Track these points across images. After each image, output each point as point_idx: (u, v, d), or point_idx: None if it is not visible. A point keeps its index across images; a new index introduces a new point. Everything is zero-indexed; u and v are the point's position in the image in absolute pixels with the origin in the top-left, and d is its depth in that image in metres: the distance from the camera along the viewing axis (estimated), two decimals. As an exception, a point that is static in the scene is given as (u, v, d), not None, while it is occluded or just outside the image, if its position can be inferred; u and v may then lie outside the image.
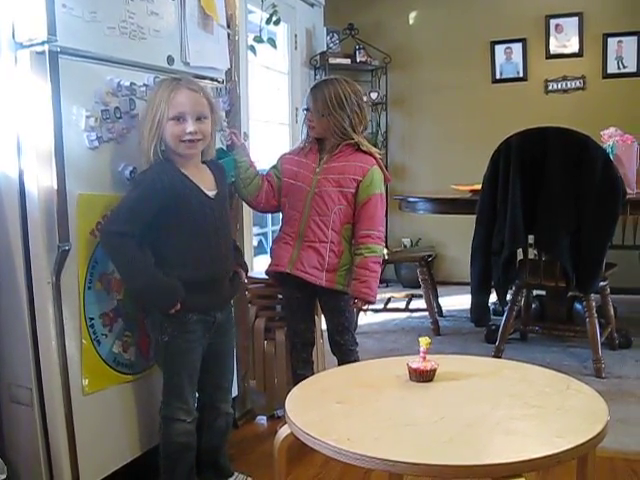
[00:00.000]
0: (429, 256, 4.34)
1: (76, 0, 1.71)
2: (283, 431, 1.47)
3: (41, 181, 1.69)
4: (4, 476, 1.79)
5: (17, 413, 1.82)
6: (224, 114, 2.35)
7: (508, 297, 3.29)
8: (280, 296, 2.69)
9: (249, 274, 2.31)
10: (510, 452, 1.22)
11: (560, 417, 1.40)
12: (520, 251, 3.20)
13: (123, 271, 1.84)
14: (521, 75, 5.18)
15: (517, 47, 5.15)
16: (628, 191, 3.09)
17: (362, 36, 5.35)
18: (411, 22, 5.46)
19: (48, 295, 1.73)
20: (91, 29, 1.77)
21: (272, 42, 4.28)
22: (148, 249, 1.83)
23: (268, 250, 4.87)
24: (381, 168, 2.32)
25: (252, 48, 4.03)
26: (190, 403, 1.92)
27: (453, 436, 1.30)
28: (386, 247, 4.04)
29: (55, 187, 1.68)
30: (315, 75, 5.25)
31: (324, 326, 2.51)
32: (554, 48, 5.08)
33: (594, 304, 3.13)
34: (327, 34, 5.33)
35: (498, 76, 5.25)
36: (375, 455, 1.22)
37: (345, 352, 2.39)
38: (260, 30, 4.15)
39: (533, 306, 3.76)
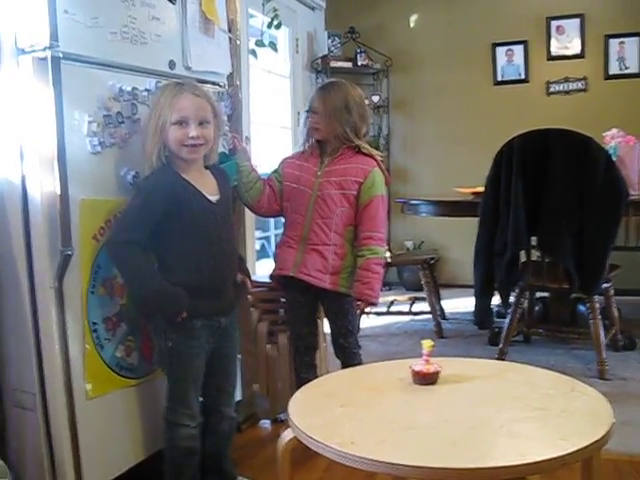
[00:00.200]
0: (432, 259, 4.34)
1: (78, 6, 1.71)
2: (286, 435, 1.47)
3: (44, 186, 1.69)
4: (8, 481, 1.79)
5: (21, 418, 1.82)
6: (226, 118, 2.35)
7: (511, 299, 3.28)
8: (283, 300, 2.69)
9: (252, 278, 2.30)
10: (514, 455, 1.22)
11: (564, 419, 1.39)
12: (523, 253, 3.19)
13: (130, 281, 1.84)
14: (523, 77, 5.18)
15: (518, 49, 5.16)
16: (631, 192, 3.08)
17: (363, 39, 5.36)
18: (412, 25, 5.46)
19: (51, 300, 1.73)
20: (93, 34, 1.77)
21: (273, 46, 4.29)
22: (152, 255, 1.83)
23: (271, 254, 4.92)
24: (382, 170, 2.32)
25: (253, 52, 4.03)
26: (194, 408, 1.92)
27: (457, 439, 1.30)
28: (389, 250, 4.04)
29: (58, 192, 1.68)
30: (317, 79, 5.25)
31: (326, 330, 2.51)
32: (555, 50, 5.08)
33: (598, 306, 3.12)
34: (328, 37, 5.34)
35: (500, 78, 5.25)
36: (379, 458, 1.22)
37: (349, 355, 2.39)
38: (261, 34, 4.16)
39: (536, 308, 3.75)
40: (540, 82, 5.14)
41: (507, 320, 3.31)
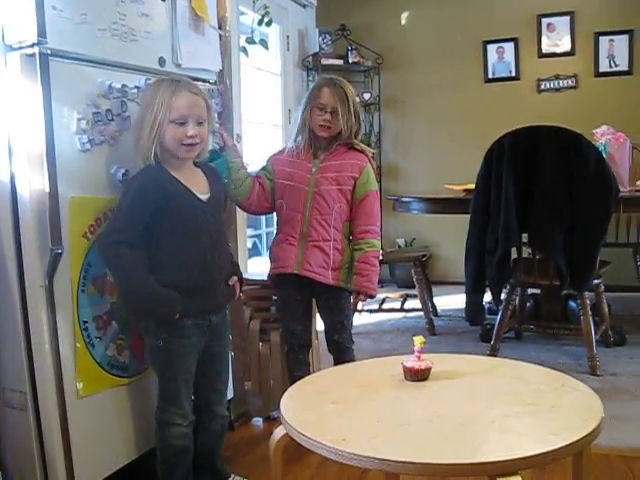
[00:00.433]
0: (423, 256, 4.34)
1: (66, 2, 1.70)
2: (278, 432, 1.47)
3: (33, 184, 1.68)
4: (-2, 481, 1.79)
5: (11, 417, 1.81)
6: (216, 115, 2.34)
7: (502, 296, 3.29)
8: (275, 298, 2.68)
9: (243, 279, 2.28)
10: (505, 450, 1.22)
11: (555, 415, 1.40)
12: (514, 250, 3.20)
13: (122, 283, 1.83)
14: (513, 74, 5.20)
15: (509, 46, 5.17)
16: (621, 189, 3.09)
17: (354, 37, 5.36)
18: (403, 22, 5.47)
19: (41, 298, 1.72)
20: (82, 31, 1.76)
21: (264, 43, 4.28)
22: (143, 253, 1.82)
23: (265, 252, 4.91)
24: (372, 166, 2.35)
25: (244, 49, 4.02)
26: (186, 407, 1.91)
27: (448, 435, 1.30)
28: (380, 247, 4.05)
29: (47, 190, 1.67)
30: (308, 76, 5.25)
31: (319, 327, 2.51)
32: (546, 47, 5.10)
33: (588, 302, 3.14)
34: (319, 35, 5.33)
35: (490, 76, 5.26)
36: (371, 455, 1.22)
37: (342, 350, 2.40)
38: (252, 31, 4.15)
39: (528, 305, 3.77)
40: (531, 79, 5.15)
41: (498, 317, 3.32)
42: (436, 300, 4.42)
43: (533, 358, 3.25)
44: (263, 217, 4.79)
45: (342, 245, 2.31)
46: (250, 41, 4.10)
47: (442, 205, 3.78)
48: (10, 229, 1.72)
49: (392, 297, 4.71)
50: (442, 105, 5.34)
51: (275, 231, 2.42)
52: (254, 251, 4.86)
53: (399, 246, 5.44)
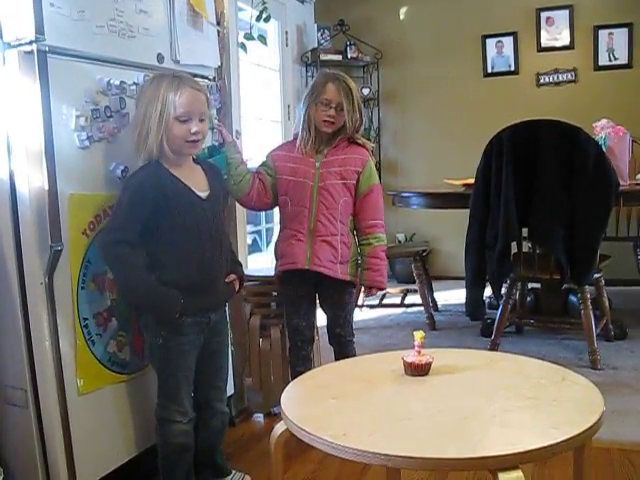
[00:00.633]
0: (424, 251, 4.34)
1: (64, -1, 1.70)
2: (279, 427, 1.47)
3: (32, 182, 1.68)
4: (0, 478, 1.79)
5: (12, 415, 1.82)
6: (215, 112, 2.34)
7: (503, 290, 3.29)
8: (275, 293, 2.68)
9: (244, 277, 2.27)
10: (506, 444, 1.22)
11: (556, 409, 1.40)
12: (514, 244, 3.20)
13: (123, 282, 1.83)
14: (512, 69, 5.19)
15: (508, 41, 5.16)
16: (621, 182, 3.09)
17: (353, 32, 5.34)
18: (402, 17, 5.45)
19: (41, 296, 1.72)
20: (79, 28, 1.76)
21: (263, 39, 4.27)
22: (142, 251, 1.82)
23: (265, 248, 4.91)
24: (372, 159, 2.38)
25: (242, 45, 4.01)
26: (186, 405, 1.91)
27: (449, 429, 1.30)
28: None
29: (46, 187, 1.67)
30: (307, 72, 5.25)
31: (319, 322, 2.51)
32: (545, 41, 5.09)
33: (589, 296, 3.14)
34: (318, 30, 5.32)
35: (489, 70, 5.25)
36: (371, 450, 1.22)
37: (343, 343, 2.41)
38: (250, 27, 4.14)
39: (528, 299, 3.77)
40: (530, 73, 5.14)
41: (499, 311, 3.32)
42: (436, 295, 4.42)
43: (534, 352, 3.25)
44: (263, 213, 4.78)
45: (349, 239, 2.33)
46: (248, 37, 4.09)
47: (442, 200, 3.78)
48: (10, 227, 1.72)
49: (392, 292, 4.71)
50: (441, 100, 5.33)
51: (279, 227, 2.40)
52: (254, 247, 4.86)
53: (399, 241, 5.44)
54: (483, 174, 3.12)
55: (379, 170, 5.12)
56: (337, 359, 2.36)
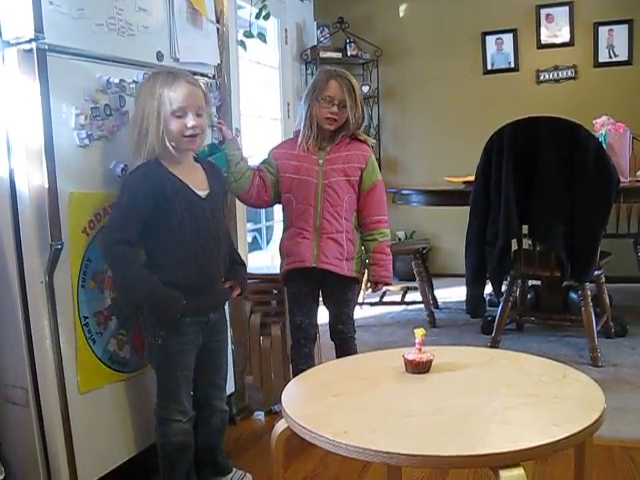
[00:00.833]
0: (424, 248, 4.34)
1: (63, -3, 1.69)
2: (280, 425, 1.47)
3: (32, 180, 1.68)
4: (2, 477, 1.79)
5: (13, 413, 1.82)
6: (214, 109, 2.33)
7: (503, 288, 3.29)
8: (275, 291, 2.68)
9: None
10: (507, 441, 1.22)
11: (557, 406, 1.40)
12: (515, 241, 3.20)
13: (125, 281, 1.81)
14: (512, 65, 5.19)
15: (508, 38, 5.16)
16: (621, 179, 3.09)
17: (352, 29, 5.34)
18: (401, 14, 5.45)
19: (41, 294, 1.72)
20: (79, 26, 1.75)
21: (262, 37, 4.26)
22: (142, 249, 1.82)
23: (265, 246, 4.91)
24: None
25: (242, 43, 4.01)
26: (185, 403, 1.90)
27: (450, 427, 1.30)
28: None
29: (46, 186, 1.67)
30: (306, 70, 5.24)
31: (320, 320, 2.51)
32: (545, 38, 5.09)
33: (589, 293, 3.13)
34: (317, 28, 5.32)
35: (489, 67, 5.25)
36: (372, 447, 1.22)
37: (346, 339, 2.42)
38: (250, 25, 4.13)
39: (528, 296, 3.77)
40: (530, 70, 5.14)
41: (499, 308, 3.32)
42: (437, 292, 4.43)
43: (534, 350, 3.25)
44: (263, 211, 4.78)
45: (354, 235, 2.34)
46: (248, 35, 4.08)
47: (442, 197, 3.78)
48: (10, 225, 1.71)
49: (393, 290, 4.70)
50: (441, 97, 5.33)
51: (284, 226, 2.40)
52: (254, 245, 4.86)
53: (399, 239, 5.43)
54: (483, 171, 3.12)
55: (379, 168, 5.11)
56: (338, 356, 2.36)
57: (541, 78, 5.12)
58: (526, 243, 3.27)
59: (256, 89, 4.64)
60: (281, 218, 2.43)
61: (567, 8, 4.99)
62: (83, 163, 1.81)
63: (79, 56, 1.78)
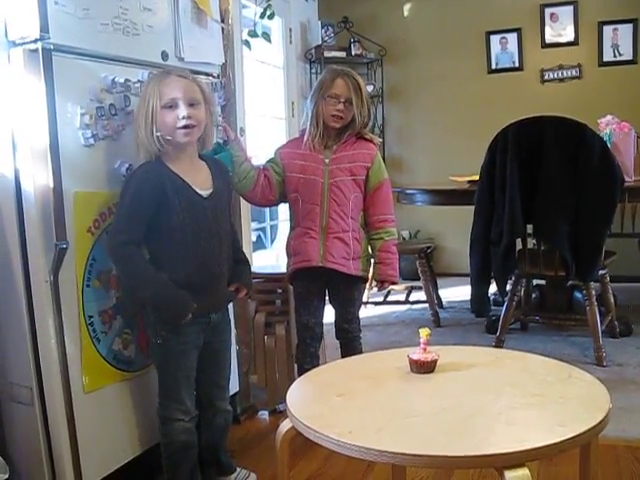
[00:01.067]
0: (428, 248, 4.33)
1: (68, -3, 1.69)
2: (285, 425, 1.46)
3: (37, 179, 1.68)
4: (6, 476, 1.79)
5: (18, 412, 1.82)
6: (219, 109, 2.33)
7: (508, 287, 3.29)
8: (280, 290, 2.69)
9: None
10: (512, 442, 1.22)
11: (562, 406, 1.39)
12: (519, 241, 3.20)
13: (134, 283, 1.81)
14: (517, 65, 5.18)
15: (512, 37, 5.14)
16: (626, 178, 3.08)
17: (357, 29, 5.34)
18: (406, 14, 5.44)
19: (46, 294, 1.72)
20: (84, 26, 1.75)
21: (267, 36, 4.27)
22: (144, 248, 1.82)
23: (270, 245, 4.91)
24: None
25: (247, 43, 4.02)
26: (187, 403, 1.90)
27: (455, 427, 1.30)
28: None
29: (51, 185, 1.67)
30: (311, 69, 5.24)
31: (326, 319, 2.51)
32: (549, 37, 5.07)
33: (594, 292, 3.13)
34: (322, 27, 5.32)
35: (494, 66, 5.24)
36: (377, 447, 1.22)
37: (351, 339, 2.43)
38: (254, 24, 4.14)
39: (533, 296, 3.76)
40: (534, 70, 5.13)
41: (504, 308, 3.32)
42: (441, 292, 4.42)
43: (539, 349, 3.25)
44: (267, 210, 4.79)
45: (360, 235, 2.34)
46: (253, 34, 4.09)
47: (446, 196, 3.78)
48: (15, 225, 1.72)
49: (397, 289, 4.70)
50: (446, 96, 5.32)
51: (290, 225, 2.40)
52: (258, 244, 4.86)
53: (403, 238, 5.43)
54: (488, 170, 3.12)
55: (383, 167, 5.11)
56: (343, 355, 2.37)
57: (545, 77, 5.11)
58: (531, 242, 3.27)
59: (260, 88, 4.64)
60: (286, 217, 2.44)
61: (572, 7, 4.97)
62: (88, 163, 1.81)
63: (84, 56, 1.78)
